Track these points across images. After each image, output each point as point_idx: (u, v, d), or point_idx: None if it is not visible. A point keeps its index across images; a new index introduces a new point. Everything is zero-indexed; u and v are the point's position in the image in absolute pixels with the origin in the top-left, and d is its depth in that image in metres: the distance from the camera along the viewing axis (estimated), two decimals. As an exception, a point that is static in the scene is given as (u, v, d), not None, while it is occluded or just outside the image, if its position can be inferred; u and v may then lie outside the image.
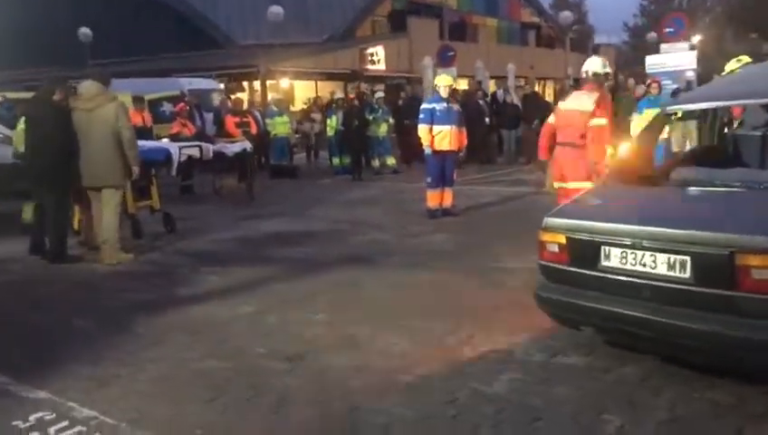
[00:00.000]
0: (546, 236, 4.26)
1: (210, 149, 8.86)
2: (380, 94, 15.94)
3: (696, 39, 49.82)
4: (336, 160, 15.88)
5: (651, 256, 3.75)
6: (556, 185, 7.18)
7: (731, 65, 8.11)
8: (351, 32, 32.92)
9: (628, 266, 3.86)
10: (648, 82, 13.04)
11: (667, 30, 16.01)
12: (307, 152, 17.51)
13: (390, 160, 15.66)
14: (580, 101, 6.73)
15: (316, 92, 27.48)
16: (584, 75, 7.20)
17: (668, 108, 4.74)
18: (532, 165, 8.49)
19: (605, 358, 4.29)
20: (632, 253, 3.84)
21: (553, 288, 4.27)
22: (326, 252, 7.64)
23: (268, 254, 7.68)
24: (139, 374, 4.25)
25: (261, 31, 31.20)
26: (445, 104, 9.47)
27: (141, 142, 8.33)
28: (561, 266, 4.19)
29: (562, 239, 4.15)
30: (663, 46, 16.09)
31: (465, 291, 5.87)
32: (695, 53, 15.70)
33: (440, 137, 9.43)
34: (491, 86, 24.63)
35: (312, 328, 5.02)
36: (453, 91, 9.88)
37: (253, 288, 6.15)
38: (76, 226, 8.27)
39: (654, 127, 4.74)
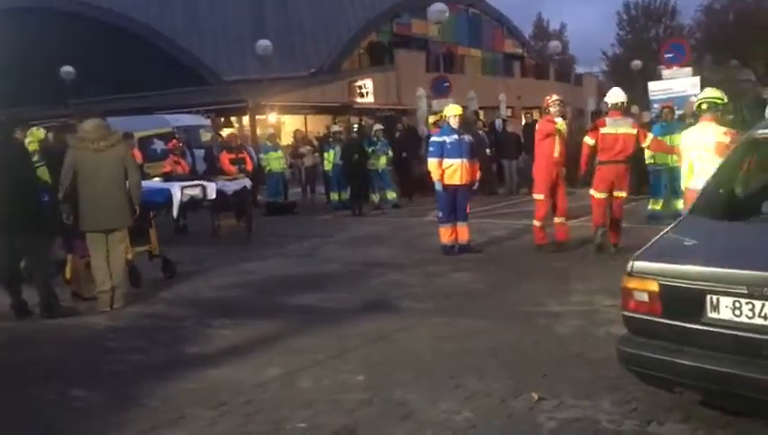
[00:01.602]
0: (633, 283, 3.67)
1: (213, 188, 8.25)
2: (379, 126, 15.40)
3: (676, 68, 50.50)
4: (335, 195, 15.29)
5: (775, 306, 3.18)
6: (601, 196, 8.47)
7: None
8: (338, 65, 32.64)
9: (744, 319, 3.28)
10: (661, 107, 12.59)
11: (667, 55, 15.70)
12: (303, 188, 16.91)
13: (391, 194, 15.08)
14: (626, 127, 8.24)
15: (305, 126, 26.99)
16: (610, 105, 8.66)
17: (759, 132, 4.21)
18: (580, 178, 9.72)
19: (706, 425, 3.68)
20: (748, 303, 3.26)
21: (641, 343, 3.67)
22: (345, 297, 7.01)
23: (281, 301, 7.03)
24: (160, 462, 3.58)
25: (247, 66, 30.81)
26: (456, 136, 8.95)
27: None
28: (652, 318, 3.60)
29: (654, 286, 3.57)
30: (665, 72, 15.77)
31: (513, 342, 5.25)
32: (698, 78, 15.37)
33: (451, 171, 8.88)
34: (481, 116, 24.34)
35: (354, 393, 4.37)
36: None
37: (273, 344, 5.49)
38: (68, 275, 7.60)
39: (739, 154, 4.21)
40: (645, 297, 3.62)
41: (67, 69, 27.26)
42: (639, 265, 3.67)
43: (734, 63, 44.15)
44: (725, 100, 6.57)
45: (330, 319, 6.18)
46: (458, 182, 8.84)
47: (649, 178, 11.88)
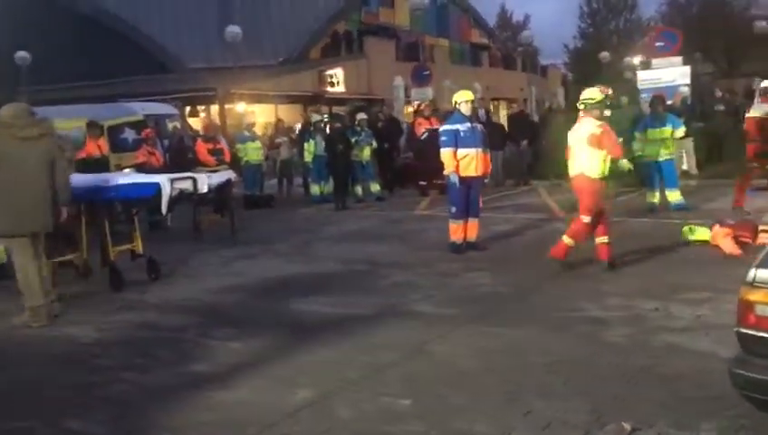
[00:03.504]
0: (756, 295, 3.11)
1: (205, 181, 7.49)
2: (362, 116, 14.69)
3: (638, 59, 50.88)
4: (316, 188, 14.54)
5: None
6: None
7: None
8: (307, 54, 31.72)
9: None
10: (651, 97, 12.16)
11: (658, 44, 15.36)
12: (279, 180, 16.15)
13: (375, 187, 14.41)
14: None
15: (276, 116, 26.05)
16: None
17: None
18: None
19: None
20: None
21: (764, 367, 3.12)
22: (356, 302, 6.35)
23: (286, 307, 6.33)
24: None
25: (211, 54, 29.70)
26: (468, 124, 8.35)
27: (126, 176, 7.01)
28: (781, 337, 3.05)
29: (785, 300, 3.01)
30: (654, 61, 15.43)
31: (567, 354, 4.67)
32: (688, 68, 15.07)
33: (466, 162, 8.27)
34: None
35: (405, 423, 3.73)
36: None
37: (292, 360, 4.81)
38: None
39: None
40: (771, 312, 3.06)
41: (22, 54, 25.87)
42: (765, 273, 3.11)
43: (697, 56, 44.56)
44: (597, 99, 7.22)
45: (348, 327, 5.53)
46: (474, 174, 8.24)
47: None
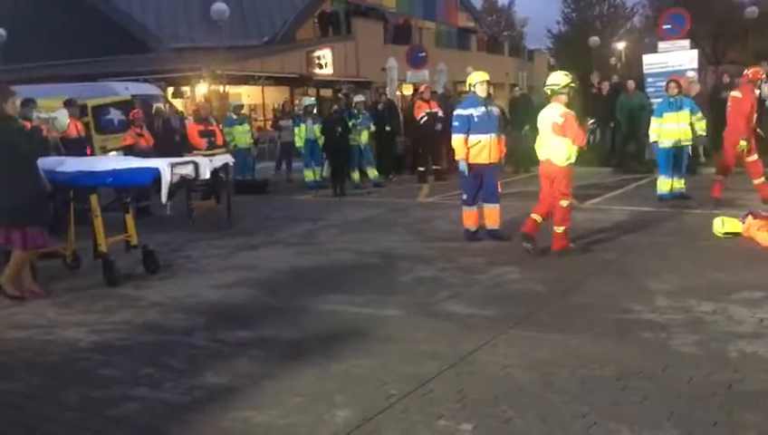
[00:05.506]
0: None
1: (207, 166, 6.85)
2: (360, 98, 14.07)
3: (622, 45, 50.50)
4: (309, 173, 13.90)
5: None
6: None
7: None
8: (292, 34, 30.88)
9: None
10: (666, 81, 11.65)
11: (666, 27, 14.83)
12: (278, 163, 15.53)
13: (372, 172, 13.84)
14: None
15: (263, 98, 25.36)
16: None
17: None
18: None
19: None
20: None
21: None
22: (381, 301, 5.79)
23: (303, 305, 5.75)
24: None
25: (194, 33, 28.80)
26: (483, 108, 7.82)
27: (120, 161, 6.37)
28: None
29: None
30: (661, 44, 14.93)
31: (634, 367, 4.13)
32: (696, 52, 14.62)
33: (477, 148, 7.81)
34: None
35: (474, 456, 3.20)
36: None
37: (325, 372, 4.23)
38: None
39: None
40: None
41: (-3, 30, 24.77)
42: None
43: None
44: (563, 83, 7.07)
45: (377, 331, 4.98)
46: (486, 161, 7.80)
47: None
